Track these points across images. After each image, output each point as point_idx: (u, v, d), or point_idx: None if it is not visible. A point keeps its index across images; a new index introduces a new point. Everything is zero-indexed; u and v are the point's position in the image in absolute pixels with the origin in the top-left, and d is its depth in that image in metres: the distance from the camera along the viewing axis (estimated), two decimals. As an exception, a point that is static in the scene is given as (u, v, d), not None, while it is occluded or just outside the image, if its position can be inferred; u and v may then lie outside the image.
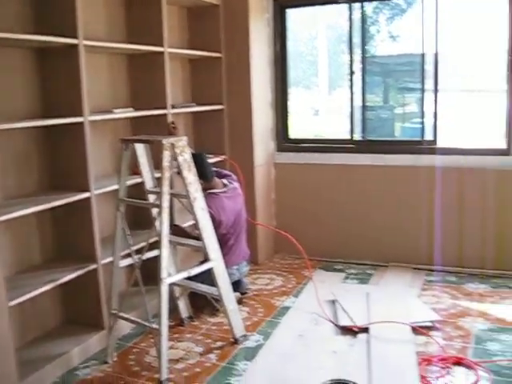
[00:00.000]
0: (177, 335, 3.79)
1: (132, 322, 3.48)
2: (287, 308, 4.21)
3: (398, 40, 5.74)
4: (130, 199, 3.44)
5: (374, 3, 5.43)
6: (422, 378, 3.09)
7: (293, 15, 5.56)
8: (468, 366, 3.23)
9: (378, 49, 5.79)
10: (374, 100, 5.68)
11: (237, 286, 4.24)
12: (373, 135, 5.37)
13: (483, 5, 5.11)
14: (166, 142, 3.19)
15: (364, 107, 5.27)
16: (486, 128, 5.44)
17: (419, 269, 4.93)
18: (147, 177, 3.57)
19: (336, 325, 3.80)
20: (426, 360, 3.29)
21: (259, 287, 4.68)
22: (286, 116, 5.60)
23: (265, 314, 4.11)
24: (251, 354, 3.49)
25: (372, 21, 5.66)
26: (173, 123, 4.12)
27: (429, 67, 5.00)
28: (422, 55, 4.99)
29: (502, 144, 4.82)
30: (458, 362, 3.28)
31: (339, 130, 5.73)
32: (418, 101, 5.15)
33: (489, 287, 4.53)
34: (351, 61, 5.25)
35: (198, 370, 3.33)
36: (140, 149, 3.48)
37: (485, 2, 5.07)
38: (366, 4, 5.22)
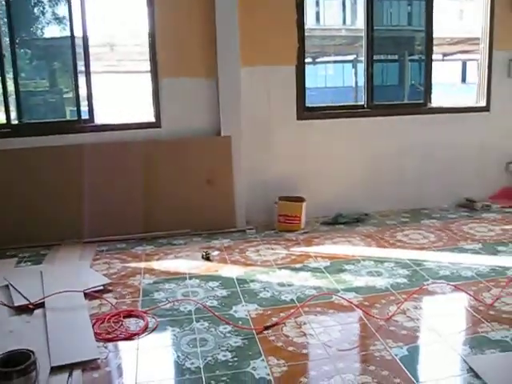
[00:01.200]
0: None
1: None
2: (-43, 303, 4.05)
3: (64, 22, 5.75)
4: None
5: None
6: (98, 334, 3.39)
7: None
8: (138, 316, 3.67)
9: (44, 31, 5.74)
10: (43, 84, 5.67)
11: None
12: (43, 119, 5.45)
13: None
14: None
15: (18, 91, 5.25)
16: (138, 105, 5.97)
17: (91, 242, 5.21)
18: None
19: (11, 307, 3.84)
20: (99, 319, 3.60)
21: None
22: None
23: None
24: None
25: (35, 2, 5.58)
26: None
27: (81, 50, 5.25)
28: (73, 38, 5.22)
29: (152, 118, 5.44)
30: (129, 315, 3.69)
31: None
32: (76, 83, 5.33)
33: (154, 247, 5.10)
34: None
35: None
36: None
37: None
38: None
